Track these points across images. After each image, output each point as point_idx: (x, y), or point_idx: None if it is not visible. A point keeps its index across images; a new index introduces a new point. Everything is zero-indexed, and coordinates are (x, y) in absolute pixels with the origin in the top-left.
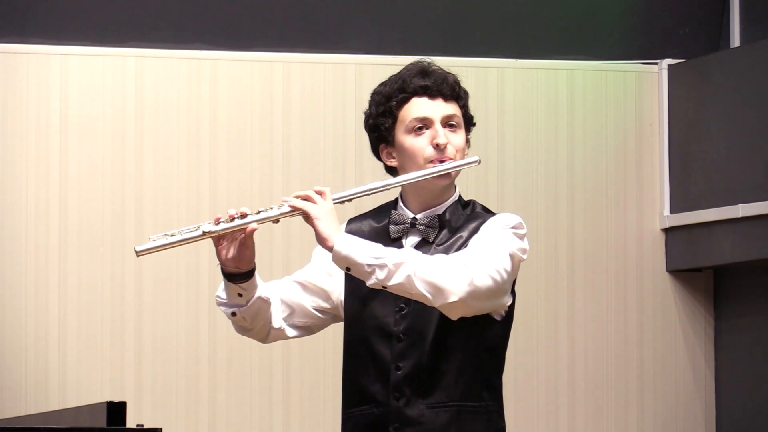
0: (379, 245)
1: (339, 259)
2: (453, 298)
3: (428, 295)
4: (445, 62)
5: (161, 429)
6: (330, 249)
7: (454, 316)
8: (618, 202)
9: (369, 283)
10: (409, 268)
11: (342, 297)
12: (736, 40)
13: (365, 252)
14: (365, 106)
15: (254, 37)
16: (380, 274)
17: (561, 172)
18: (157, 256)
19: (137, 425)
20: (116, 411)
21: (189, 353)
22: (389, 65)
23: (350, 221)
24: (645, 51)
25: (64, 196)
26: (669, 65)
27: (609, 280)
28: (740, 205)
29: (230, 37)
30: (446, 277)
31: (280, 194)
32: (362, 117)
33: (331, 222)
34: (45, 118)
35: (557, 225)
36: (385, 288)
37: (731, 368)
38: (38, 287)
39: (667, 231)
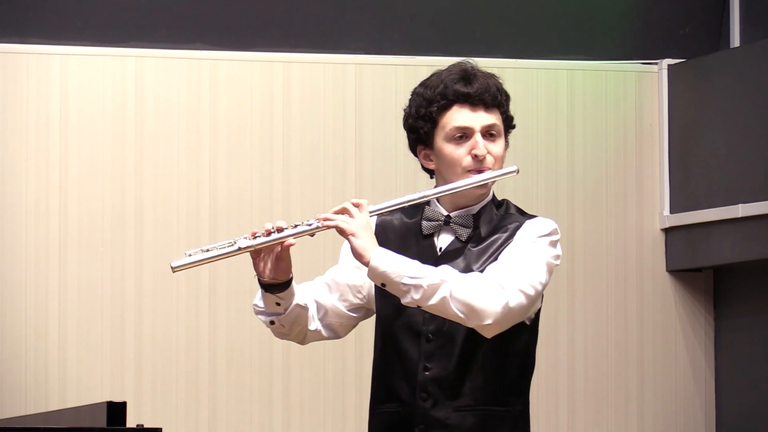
0: (416, 263)
1: (375, 276)
2: (488, 321)
3: (463, 317)
4: (445, 62)
5: (161, 429)
6: (366, 264)
7: (488, 335)
8: (618, 202)
9: (404, 301)
10: (445, 290)
11: (373, 289)
12: (736, 40)
13: (401, 270)
14: (365, 106)
15: (254, 37)
16: (415, 295)
17: (561, 172)
18: (157, 256)
19: (137, 425)
20: (116, 411)
21: (189, 353)
22: (389, 65)
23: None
24: (645, 51)
25: (64, 196)
26: (669, 65)
27: (609, 280)
28: (740, 205)
29: (230, 37)
30: (482, 300)
31: (280, 194)
32: (362, 117)
33: (367, 237)
34: (45, 118)
35: (557, 225)
36: (420, 308)
37: (731, 368)
38: (38, 287)
39: (667, 231)
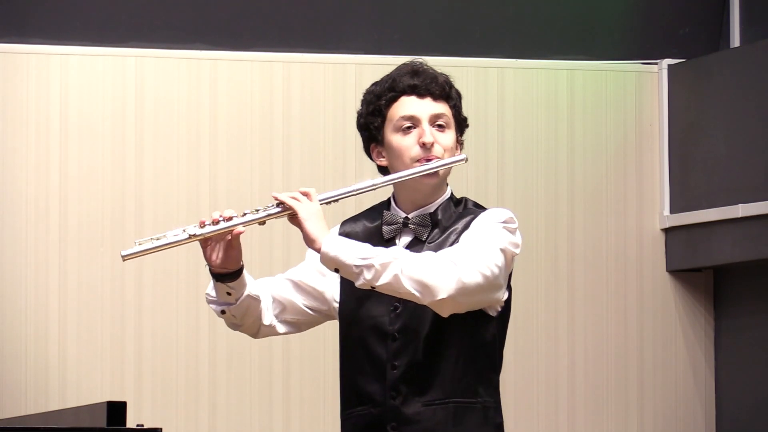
0: (368, 245)
1: (327, 261)
2: (442, 295)
3: (416, 293)
4: (444, 62)
5: (161, 429)
6: (318, 250)
7: (444, 313)
8: (618, 202)
9: (357, 283)
10: (395, 267)
11: (336, 297)
12: (736, 40)
13: (352, 253)
14: None
15: (254, 37)
16: (367, 275)
17: (561, 172)
18: (156, 256)
19: (137, 425)
20: (116, 411)
21: (189, 353)
22: (389, 65)
23: (344, 223)
24: (645, 51)
25: (64, 196)
26: (669, 65)
27: (609, 280)
28: (740, 205)
29: (230, 37)
30: (434, 275)
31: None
32: None
33: (319, 223)
34: (45, 118)
35: (557, 225)
36: (374, 288)
37: (731, 368)
38: (38, 287)
39: (667, 231)
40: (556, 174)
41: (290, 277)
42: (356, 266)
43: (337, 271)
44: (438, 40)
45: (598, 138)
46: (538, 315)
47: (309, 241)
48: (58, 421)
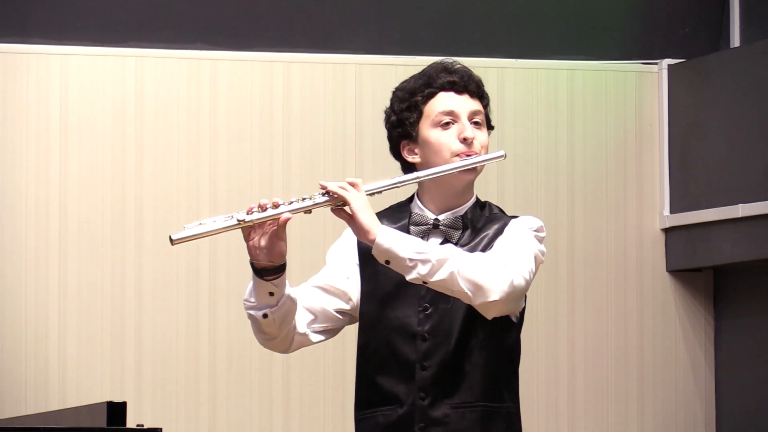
0: (420, 239)
1: (380, 252)
2: (494, 297)
3: (469, 293)
4: None
5: (161, 429)
6: (371, 242)
7: (490, 315)
8: (618, 202)
9: (409, 277)
10: (452, 265)
11: (359, 298)
12: (736, 40)
13: (408, 246)
14: (365, 106)
15: (254, 37)
16: (422, 269)
17: (561, 172)
18: (156, 256)
19: (137, 425)
20: (116, 411)
21: (189, 353)
22: (389, 65)
23: None
24: (645, 51)
25: (64, 196)
26: (669, 65)
27: (609, 280)
28: (740, 205)
29: (230, 37)
30: (488, 276)
31: (280, 195)
32: (362, 117)
33: (371, 214)
34: (45, 118)
35: (557, 225)
36: (425, 283)
37: (731, 368)
38: (38, 287)
39: (667, 231)
40: (556, 174)
41: (315, 284)
42: (411, 260)
43: (387, 263)
44: (438, 40)
45: (598, 138)
46: (538, 315)
47: (362, 232)
48: (58, 421)
